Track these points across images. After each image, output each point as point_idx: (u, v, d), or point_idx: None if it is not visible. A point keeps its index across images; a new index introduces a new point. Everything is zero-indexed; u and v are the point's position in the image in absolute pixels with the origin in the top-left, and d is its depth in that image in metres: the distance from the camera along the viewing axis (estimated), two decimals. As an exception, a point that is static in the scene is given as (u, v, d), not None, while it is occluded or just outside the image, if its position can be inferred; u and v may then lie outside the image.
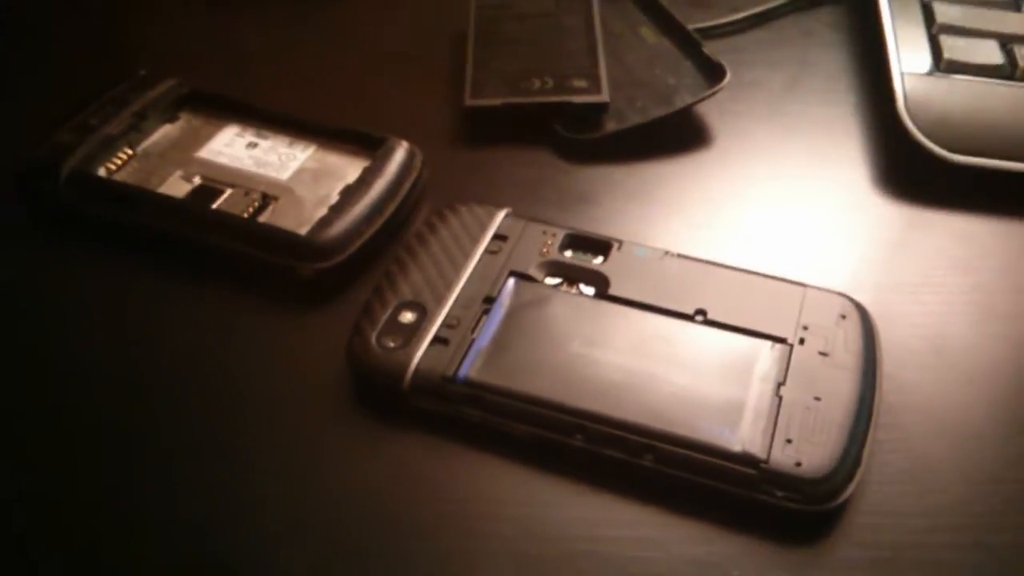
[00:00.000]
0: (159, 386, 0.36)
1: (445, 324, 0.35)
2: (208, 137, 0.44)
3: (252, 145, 0.44)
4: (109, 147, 0.43)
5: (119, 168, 0.43)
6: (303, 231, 0.39)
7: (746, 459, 0.31)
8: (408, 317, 0.35)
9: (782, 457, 0.31)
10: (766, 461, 0.30)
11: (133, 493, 0.32)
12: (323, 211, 0.40)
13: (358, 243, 0.39)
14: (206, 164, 0.43)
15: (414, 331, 0.35)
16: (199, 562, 0.31)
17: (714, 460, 0.31)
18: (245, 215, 0.40)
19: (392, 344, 0.34)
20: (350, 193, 0.40)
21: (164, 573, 0.30)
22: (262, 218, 0.40)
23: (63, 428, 0.34)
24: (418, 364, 0.34)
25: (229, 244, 0.39)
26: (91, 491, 0.32)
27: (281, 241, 0.39)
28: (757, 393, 0.32)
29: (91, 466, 0.33)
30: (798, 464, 0.30)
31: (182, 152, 0.44)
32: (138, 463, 0.33)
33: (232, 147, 0.44)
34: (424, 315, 0.35)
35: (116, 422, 0.34)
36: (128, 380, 0.36)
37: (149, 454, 0.33)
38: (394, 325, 0.35)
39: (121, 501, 0.32)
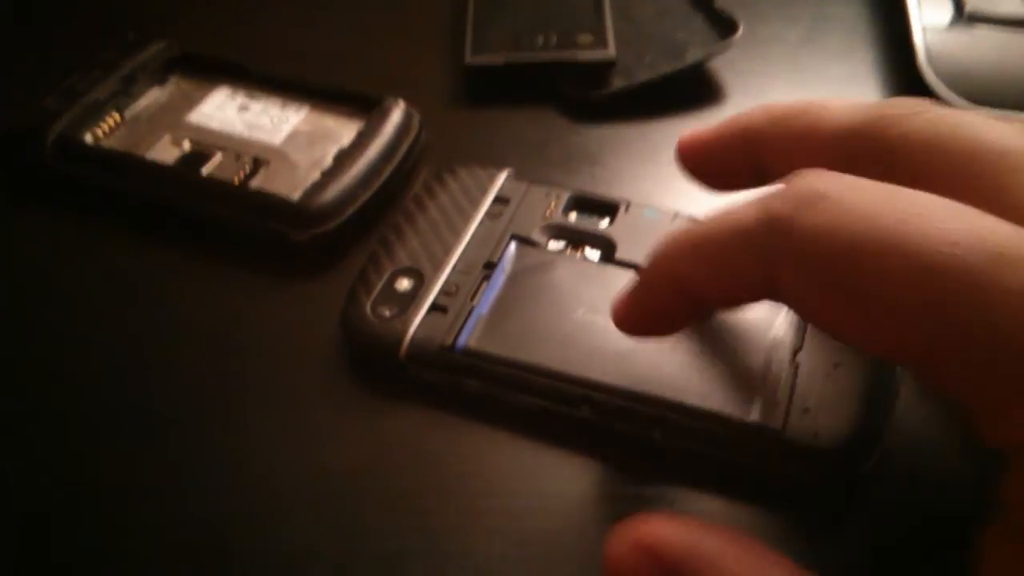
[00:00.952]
0: (149, 356, 0.34)
1: (443, 291, 0.33)
2: (198, 100, 0.43)
3: (243, 108, 0.42)
4: (96, 112, 0.41)
5: (107, 134, 0.41)
6: (296, 196, 0.37)
7: (761, 430, 0.29)
8: (405, 284, 0.34)
9: (799, 428, 0.29)
10: (782, 432, 0.29)
11: (128, 465, 0.31)
12: (316, 175, 0.38)
13: (353, 208, 0.37)
14: (196, 128, 0.41)
15: (411, 299, 0.33)
16: (194, 533, 0.29)
17: (727, 431, 0.29)
18: (236, 180, 0.39)
19: (388, 313, 0.33)
20: (344, 156, 0.38)
21: (161, 544, 0.29)
22: (253, 183, 0.39)
23: (54, 400, 0.33)
24: (415, 333, 0.32)
25: (219, 210, 0.37)
26: (89, 464, 0.31)
27: (273, 207, 0.37)
28: (772, 361, 0.31)
29: (85, 439, 0.32)
30: (816, 435, 0.29)
31: (172, 116, 0.42)
32: (130, 436, 0.32)
33: (223, 110, 0.42)
34: (421, 282, 0.34)
35: (107, 393, 0.33)
36: (117, 350, 0.35)
37: (141, 426, 0.32)
38: (390, 293, 0.34)
39: (116, 473, 0.31)
